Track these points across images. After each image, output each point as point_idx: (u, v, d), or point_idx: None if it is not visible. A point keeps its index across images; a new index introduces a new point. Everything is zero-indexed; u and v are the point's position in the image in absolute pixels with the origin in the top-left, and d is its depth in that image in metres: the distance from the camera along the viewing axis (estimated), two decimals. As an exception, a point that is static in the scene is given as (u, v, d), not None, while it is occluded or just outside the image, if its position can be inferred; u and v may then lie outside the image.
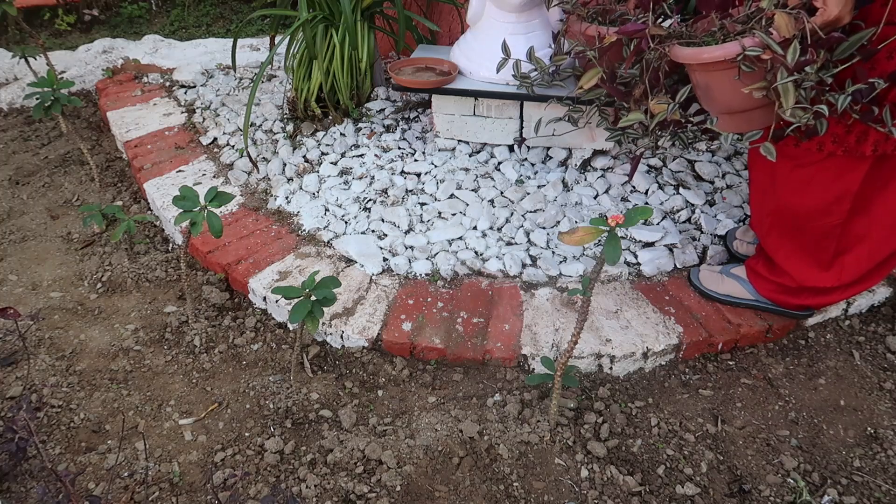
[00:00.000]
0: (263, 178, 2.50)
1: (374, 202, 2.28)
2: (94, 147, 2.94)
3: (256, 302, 2.06)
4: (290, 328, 1.98)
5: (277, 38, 2.67)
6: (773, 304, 1.86)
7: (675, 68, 1.66)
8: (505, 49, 2.14)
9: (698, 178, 2.34)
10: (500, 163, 2.40)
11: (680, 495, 1.53)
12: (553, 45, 2.19)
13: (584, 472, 1.57)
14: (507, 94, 2.25)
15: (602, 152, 2.38)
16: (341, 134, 2.59)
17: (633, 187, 2.29)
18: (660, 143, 2.45)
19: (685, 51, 1.47)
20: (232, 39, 2.86)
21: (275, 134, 2.67)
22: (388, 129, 2.60)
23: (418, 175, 2.38)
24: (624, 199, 2.25)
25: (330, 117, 2.66)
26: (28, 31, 3.04)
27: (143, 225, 2.44)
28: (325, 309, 1.75)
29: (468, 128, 2.43)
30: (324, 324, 1.89)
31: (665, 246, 2.09)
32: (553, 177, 2.32)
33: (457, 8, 2.84)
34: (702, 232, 2.15)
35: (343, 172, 2.44)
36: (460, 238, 2.14)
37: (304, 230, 2.24)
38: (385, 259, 2.09)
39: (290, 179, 2.45)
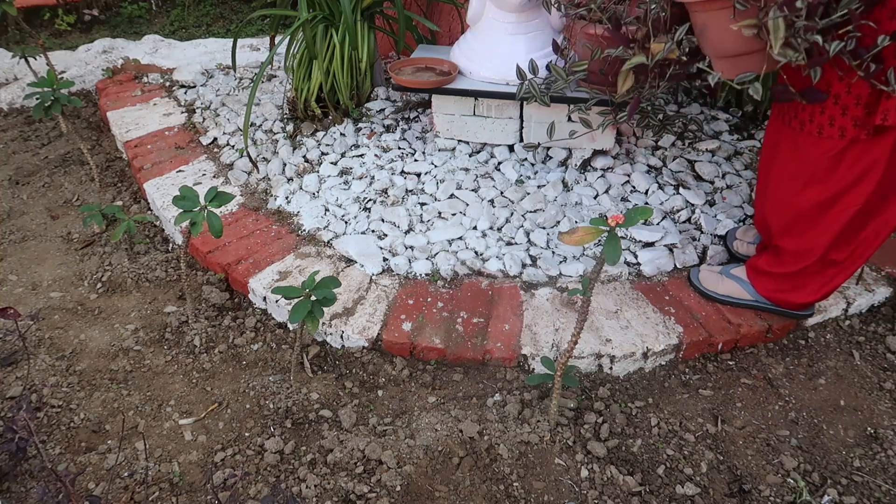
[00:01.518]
0: (263, 178, 2.50)
1: (374, 202, 2.28)
2: (94, 147, 2.94)
3: (256, 302, 2.06)
4: (290, 328, 1.98)
5: (277, 38, 2.67)
6: (773, 303, 1.86)
7: (679, 14, 1.66)
8: (520, 73, 2.13)
9: (698, 178, 2.34)
10: (500, 163, 2.40)
11: (680, 495, 1.53)
12: (559, 52, 2.19)
13: (584, 472, 1.57)
14: (507, 94, 2.25)
15: (602, 152, 2.38)
16: (341, 134, 2.59)
17: (634, 187, 2.29)
18: (659, 143, 2.45)
19: None
20: (232, 39, 2.87)
21: (275, 134, 2.67)
22: (388, 129, 2.60)
23: (418, 175, 2.38)
24: (624, 199, 2.25)
25: (330, 117, 2.66)
26: (28, 31, 3.04)
27: (143, 225, 2.44)
28: (325, 309, 1.75)
29: (468, 128, 2.43)
30: (324, 324, 1.89)
31: (665, 246, 2.09)
32: (553, 177, 2.32)
33: (457, 8, 2.84)
34: (702, 232, 2.15)
35: (343, 172, 2.44)
36: (460, 238, 2.14)
37: (304, 230, 2.24)
38: (385, 259, 2.09)
39: (290, 179, 2.45)
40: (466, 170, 2.37)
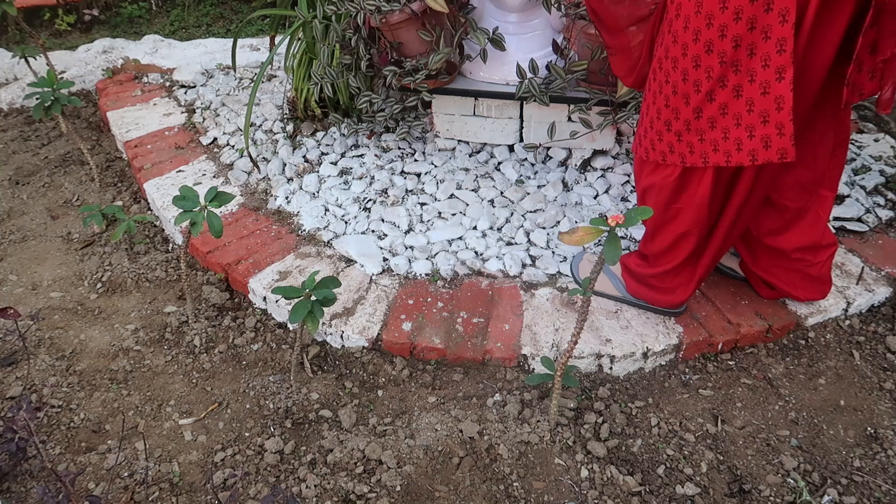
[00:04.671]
0: (263, 178, 2.50)
1: (374, 202, 2.28)
2: (94, 147, 2.94)
3: (256, 302, 2.06)
4: (290, 328, 1.98)
5: (277, 39, 2.67)
6: (643, 301, 1.86)
7: None
8: (520, 72, 2.13)
9: (698, 178, 2.34)
10: (500, 163, 2.40)
11: (680, 495, 1.53)
12: (559, 52, 2.19)
13: (584, 472, 1.57)
14: (507, 94, 2.25)
15: (602, 152, 2.38)
16: (341, 134, 2.59)
17: (634, 187, 2.29)
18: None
19: None
20: (232, 39, 2.87)
21: (275, 134, 2.67)
22: (388, 129, 2.60)
23: (418, 175, 2.38)
24: (624, 199, 2.25)
25: (330, 117, 2.66)
26: (28, 31, 3.04)
27: (143, 225, 2.44)
28: (325, 309, 1.75)
29: (468, 128, 2.43)
30: (324, 324, 1.89)
31: (665, 246, 2.09)
32: (553, 177, 2.32)
33: (457, 8, 2.83)
34: (702, 232, 2.15)
35: (343, 172, 2.44)
36: (460, 238, 2.14)
37: (304, 230, 2.24)
38: (385, 259, 2.09)
39: (290, 179, 2.45)
40: (466, 170, 2.37)
